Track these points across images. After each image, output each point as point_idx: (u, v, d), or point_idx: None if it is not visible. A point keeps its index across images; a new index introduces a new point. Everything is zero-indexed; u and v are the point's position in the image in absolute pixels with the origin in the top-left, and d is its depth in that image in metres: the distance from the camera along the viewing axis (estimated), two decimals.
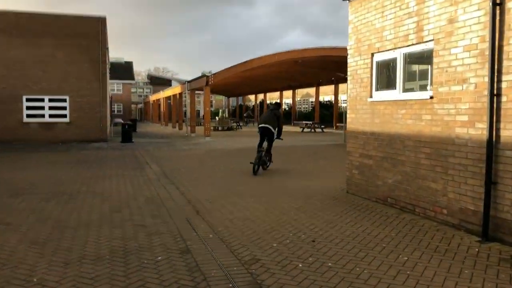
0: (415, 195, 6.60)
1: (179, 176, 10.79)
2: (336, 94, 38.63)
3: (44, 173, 11.30)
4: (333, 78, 38.10)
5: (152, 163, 13.50)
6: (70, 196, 8.21)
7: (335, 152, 16.56)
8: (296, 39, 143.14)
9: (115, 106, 69.14)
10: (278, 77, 41.39)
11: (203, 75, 24.65)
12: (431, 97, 6.22)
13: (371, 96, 7.81)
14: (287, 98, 54.40)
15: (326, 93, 48.46)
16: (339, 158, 14.44)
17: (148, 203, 7.59)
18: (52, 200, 7.83)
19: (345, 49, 24.71)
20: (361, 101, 8.06)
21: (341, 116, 39.71)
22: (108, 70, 29.70)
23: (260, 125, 11.39)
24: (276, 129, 11.33)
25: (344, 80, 38.51)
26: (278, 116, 11.48)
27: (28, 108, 22.21)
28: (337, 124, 37.96)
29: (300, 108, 55.44)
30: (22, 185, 9.41)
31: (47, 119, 22.44)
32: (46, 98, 22.42)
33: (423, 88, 6.86)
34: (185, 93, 30.80)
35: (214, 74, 24.28)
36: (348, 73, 8.56)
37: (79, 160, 14.28)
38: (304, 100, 58.06)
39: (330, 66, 33.01)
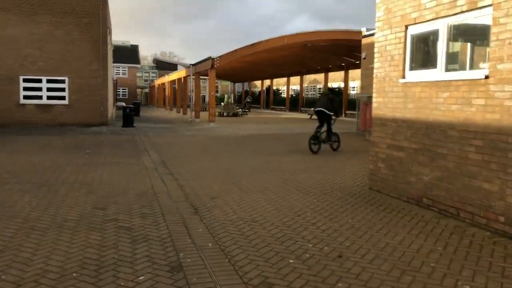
0: (459, 196, 5.43)
1: (179, 165, 9.68)
2: (346, 80, 37.21)
3: (30, 159, 10.24)
4: (343, 64, 36.69)
5: (151, 150, 12.40)
6: (51, 188, 7.13)
7: (348, 141, 15.37)
8: (303, 25, 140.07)
9: (120, 90, 68.15)
10: (286, 62, 40.01)
11: (208, 58, 23.40)
12: (486, 77, 5.01)
13: (403, 77, 6.60)
14: (294, 84, 53.02)
15: (335, 80, 46.93)
16: (353, 148, 13.27)
17: (139, 198, 6.49)
18: (30, 192, 6.76)
19: (358, 33, 23.35)
20: (391, 83, 6.86)
21: (351, 104, 38.41)
22: (110, 52, 28.54)
23: (316, 109, 12.63)
24: (332, 112, 12.41)
25: (355, 66, 37.08)
26: (332, 99, 12.68)
27: (25, 89, 21.15)
28: (346, 112, 36.65)
29: (307, 94, 53.96)
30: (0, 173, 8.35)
31: (44, 101, 21.37)
32: (44, 78, 21.31)
33: (473, 66, 5.64)
34: (190, 77, 29.58)
35: (220, 56, 23.01)
36: (375, 50, 7.33)
37: (73, 145, 13.22)
38: (311, 86, 56.53)
39: (341, 51, 31.59)
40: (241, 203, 6.28)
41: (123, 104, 25.58)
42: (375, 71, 7.33)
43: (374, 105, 7.34)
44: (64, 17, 21.17)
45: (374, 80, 7.34)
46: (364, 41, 18.98)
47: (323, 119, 12.40)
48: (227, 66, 39.09)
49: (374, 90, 7.33)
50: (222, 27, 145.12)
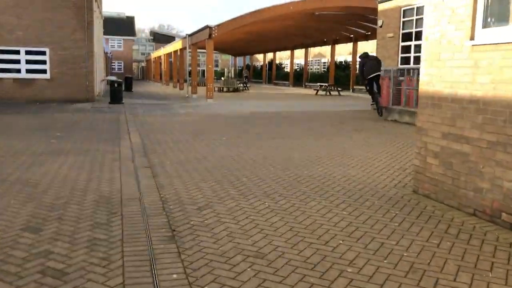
0: None
1: (164, 154, 7.79)
2: (354, 53, 34.82)
3: None
4: (351, 35, 34.30)
5: (134, 132, 10.49)
6: None
7: (367, 121, 13.42)
8: None
9: (116, 64, 65.68)
10: (291, 33, 37.58)
11: (205, 27, 21.17)
12: None
13: (472, 38, 4.62)
14: (298, 58, 50.52)
15: (340, 53, 44.42)
16: (376, 130, 11.31)
17: (97, 209, 4.63)
18: None
19: (372, 0, 21.03)
20: (451, 46, 4.87)
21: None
22: (99, 21, 26.26)
23: (371, 76, 13.68)
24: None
25: (364, 38, 34.63)
26: (378, 60, 14.46)
27: (1, 61, 19.08)
28: (354, 87, 34.48)
29: (311, 69, 51.48)
30: None
31: (23, 74, 19.34)
32: (23, 50, 19.22)
33: None
34: (187, 49, 27.35)
35: (218, 25, 20.78)
36: (427, 3, 5.30)
37: (43, 126, 11.29)
38: (316, 60, 53.91)
39: (351, 21, 29.24)
40: (240, 217, 4.41)
41: (114, 78, 23.51)
42: (425, 32, 5.32)
43: (423, 78, 5.36)
44: None
45: (424, 45, 5.34)
46: (381, 7, 16.76)
47: (376, 81, 13.65)
48: (227, 37, 36.68)
49: (423, 58, 5.33)
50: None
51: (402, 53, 16.04)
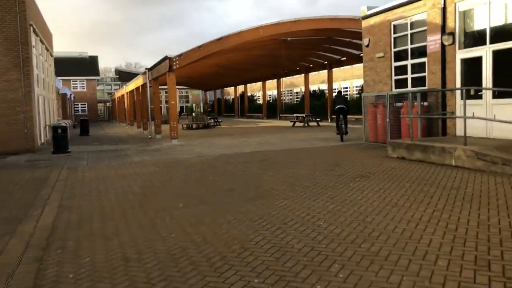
0: None
1: (73, 252, 4.73)
2: (330, 81, 32.81)
3: None
4: (325, 62, 32.36)
5: (54, 202, 7.36)
6: None
7: (366, 160, 10.72)
8: None
9: (79, 105, 62.14)
10: (261, 64, 35.47)
11: (165, 58, 18.45)
12: None
13: None
14: (269, 89, 48.47)
15: (313, 82, 42.54)
16: (386, 175, 8.49)
17: None
18: None
19: (347, 20, 18.70)
20: None
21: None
22: (44, 58, 23.21)
23: (337, 107, 16.10)
24: (347, 108, 16.23)
25: (338, 64, 32.77)
26: (345, 99, 17.57)
27: None
28: (332, 116, 32.23)
29: (283, 99, 49.41)
30: None
31: None
32: None
33: None
34: (148, 85, 24.52)
35: (180, 55, 18.09)
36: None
37: None
38: (288, 90, 52.03)
39: (325, 46, 27.24)
40: None
41: (63, 123, 20.32)
42: None
43: None
44: None
45: None
46: (365, 23, 14.47)
47: (341, 113, 15.96)
48: (192, 70, 34.12)
49: None
50: (191, 36, 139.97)
51: (396, 75, 13.65)
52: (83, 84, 62.53)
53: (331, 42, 26.05)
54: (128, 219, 5.95)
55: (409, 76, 13.11)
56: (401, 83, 13.47)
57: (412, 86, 12.95)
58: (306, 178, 8.43)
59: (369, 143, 13.88)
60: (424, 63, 12.51)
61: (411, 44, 12.99)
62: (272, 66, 36.70)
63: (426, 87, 12.32)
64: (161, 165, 11.62)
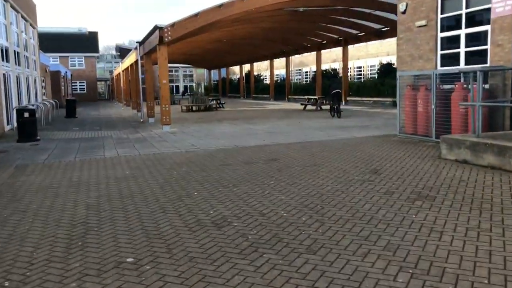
0: None
1: None
2: (345, 58, 29.59)
3: None
4: (340, 38, 29.10)
5: None
6: None
7: (416, 161, 7.89)
8: None
9: (78, 84, 59.36)
10: (269, 39, 32.30)
11: (155, 28, 15.49)
12: None
13: None
14: (277, 69, 45.19)
15: (324, 61, 39.16)
16: (460, 196, 5.55)
17: None
18: None
19: None
20: None
21: (356, 88, 30.69)
22: (19, 30, 20.34)
23: (334, 91, 18.31)
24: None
25: (356, 40, 29.49)
26: (340, 82, 21.84)
27: None
28: (347, 98, 29.17)
29: (292, 79, 46.08)
30: None
31: None
32: None
33: None
34: (139, 61, 21.63)
35: (173, 24, 15.11)
36: None
37: None
38: (297, 70, 48.61)
39: (342, 18, 24.03)
40: None
41: (42, 105, 17.57)
42: None
43: None
44: None
45: None
46: None
47: (336, 96, 18.29)
48: (192, 45, 31.02)
49: None
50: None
51: (442, 49, 10.66)
52: (81, 61, 59.53)
53: (349, 14, 22.86)
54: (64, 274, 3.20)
55: (462, 50, 10.11)
56: (449, 60, 10.49)
57: (466, 63, 9.98)
58: (337, 199, 5.62)
59: (405, 136, 10.99)
60: (484, 32, 9.51)
61: (466, 7, 9.95)
62: (281, 42, 33.53)
63: (487, 64, 9.36)
64: (136, 164, 8.85)
